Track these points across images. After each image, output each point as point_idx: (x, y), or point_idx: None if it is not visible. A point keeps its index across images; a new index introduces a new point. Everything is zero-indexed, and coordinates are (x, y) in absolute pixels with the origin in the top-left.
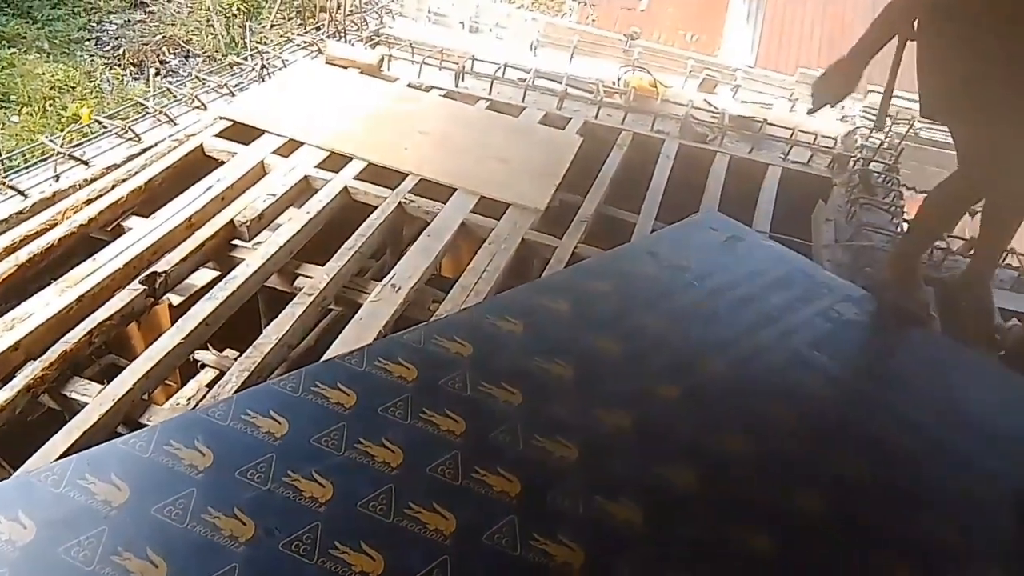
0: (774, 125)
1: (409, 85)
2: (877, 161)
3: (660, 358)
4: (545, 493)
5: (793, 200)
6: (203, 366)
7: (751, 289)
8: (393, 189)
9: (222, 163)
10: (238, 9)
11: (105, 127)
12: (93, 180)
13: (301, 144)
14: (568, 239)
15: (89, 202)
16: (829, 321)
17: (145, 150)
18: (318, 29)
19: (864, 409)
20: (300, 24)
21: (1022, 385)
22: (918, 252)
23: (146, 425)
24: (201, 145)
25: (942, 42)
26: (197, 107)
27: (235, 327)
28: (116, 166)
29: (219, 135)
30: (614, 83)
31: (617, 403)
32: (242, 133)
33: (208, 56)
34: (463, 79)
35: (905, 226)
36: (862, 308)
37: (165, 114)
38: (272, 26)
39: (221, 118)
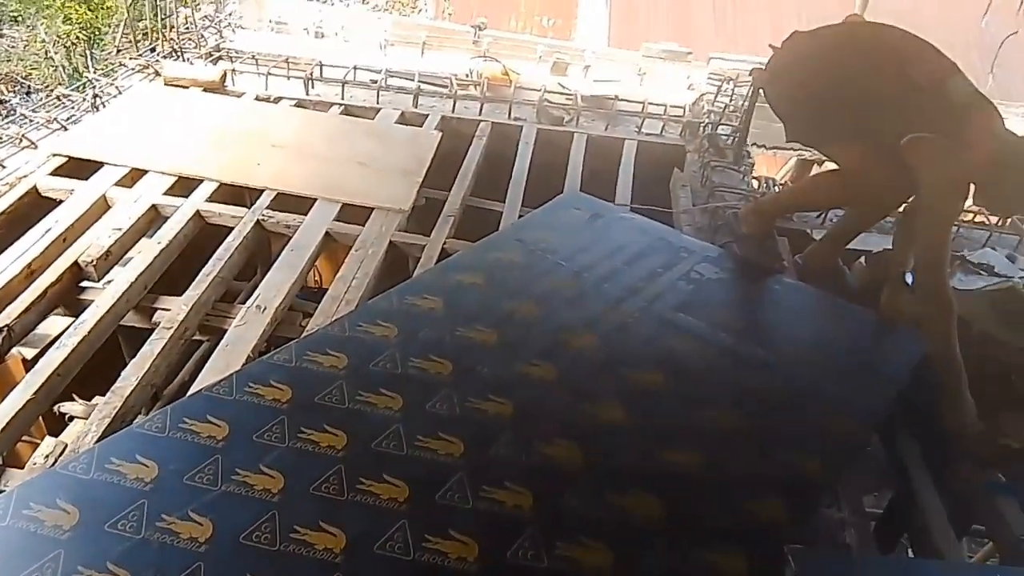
0: (626, 100)
1: (257, 98)
2: (724, 124)
3: (534, 342)
4: (433, 492)
5: (651, 171)
6: (71, 418)
7: (615, 263)
8: (249, 207)
9: (60, 202)
10: (77, 37)
11: None
12: None
13: (145, 172)
14: (436, 235)
15: None
16: (691, 283)
17: None
18: (153, 50)
19: (730, 361)
20: (150, 47)
21: (870, 318)
22: (775, 215)
23: (2, 491)
24: (35, 186)
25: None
26: (27, 146)
27: (102, 372)
28: None
29: (54, 173)
30: (467, 75)
31: (496, 392)
32: (79, 168)
33: (50, 90)
34: (313, 86)
35: (755, 183)
36: (721, 266)
37: None
38: (119, 51)
39: (54, 155)
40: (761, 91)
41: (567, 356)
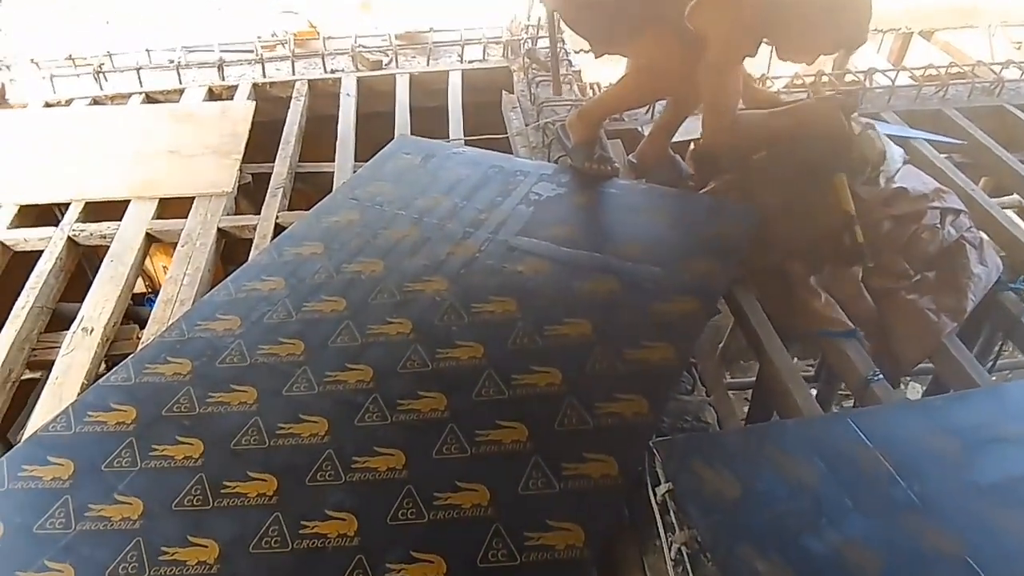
0: (442, 31)
1: (46, 105)
2: (543, 36)
3: (383, 299)
4: (303, 477)
5: (481, 98)
6: None
7: (454, 201)
8: (57, 224)
9: None
10: None
11: None
12: None
13: None
14: (267, 212)
15: None
16: (531, 205)
17: None
18: None
19: (575, 273)
20: None
21: (704, 200)
22: (598, 119)
23: None
24: None
25: None
26: None
27: None
28: None
29: None
30: (272, 36)
31: (353, 360)
32: None
33: None
34: (106, 79)
35: (588, 91)
36: (558, 182)
37: None
38: None
39: None
40: (556, 15)
41: (419, 306)
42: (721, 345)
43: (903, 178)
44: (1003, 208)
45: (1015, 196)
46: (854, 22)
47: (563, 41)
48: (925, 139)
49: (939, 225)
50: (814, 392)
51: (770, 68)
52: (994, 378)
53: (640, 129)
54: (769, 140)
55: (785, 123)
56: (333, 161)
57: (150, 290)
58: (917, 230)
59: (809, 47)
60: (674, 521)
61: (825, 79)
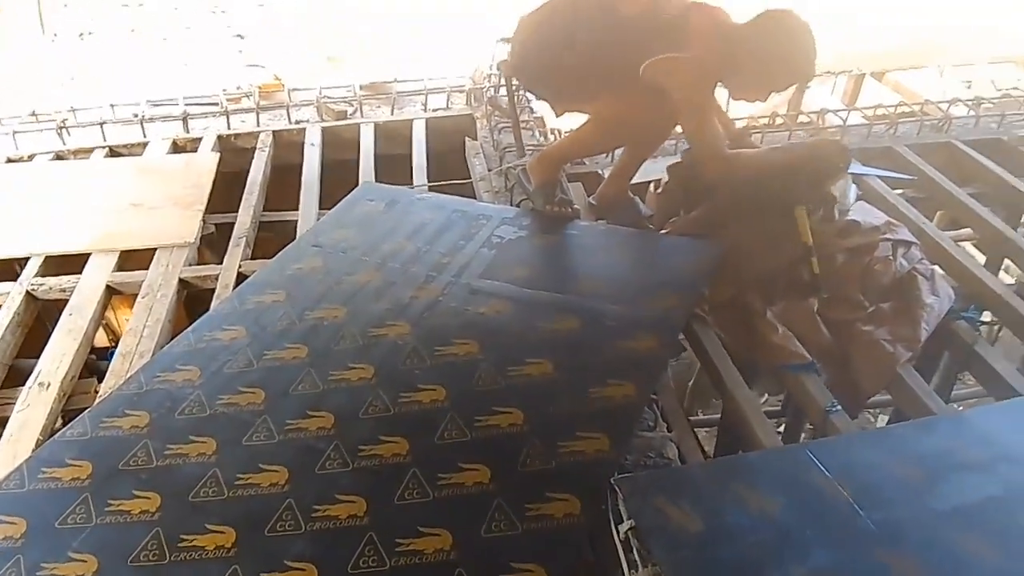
0: (406, 81)
1: (8, 160)
2: (505, 84)
3: (346, 345)
4: (263, 528)
5: (446, 145)
6: None
7: (417, 245)
8: (16, 279)
9: None
10: None
11: None
12: None
13: None
14: (230, 261)
15: None
16: (493, 248)
17: None
18: None
19: (536, 314)
20: None
21: (663, 239)
22: (558, 163)
23: None
24: None
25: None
26: None
27: None
28: None
29: None
30: (237, 89)
31: (314, 407)
32: None
33: None
34: (69, 134)
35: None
36: (520, 225)
37: None
38: None
39: None
40: (514, 80)
41: (381, 350)
42: (691, 383)
43: (855, 212)
44: (959, 241)
45: (968, 230)
46: (804, 58)
47: (522, 89)
48: (877, 175)
49: (892, 257)
50: (783, 427)
51: (728, 108)
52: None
53: (600, 172)
54: (760, 172)
55: (781, 159)
56: (297, 210)
57: (113, 343)
58: (870, 262)
59: (763, 85)
60: (637, 559)
61: (779, 120)
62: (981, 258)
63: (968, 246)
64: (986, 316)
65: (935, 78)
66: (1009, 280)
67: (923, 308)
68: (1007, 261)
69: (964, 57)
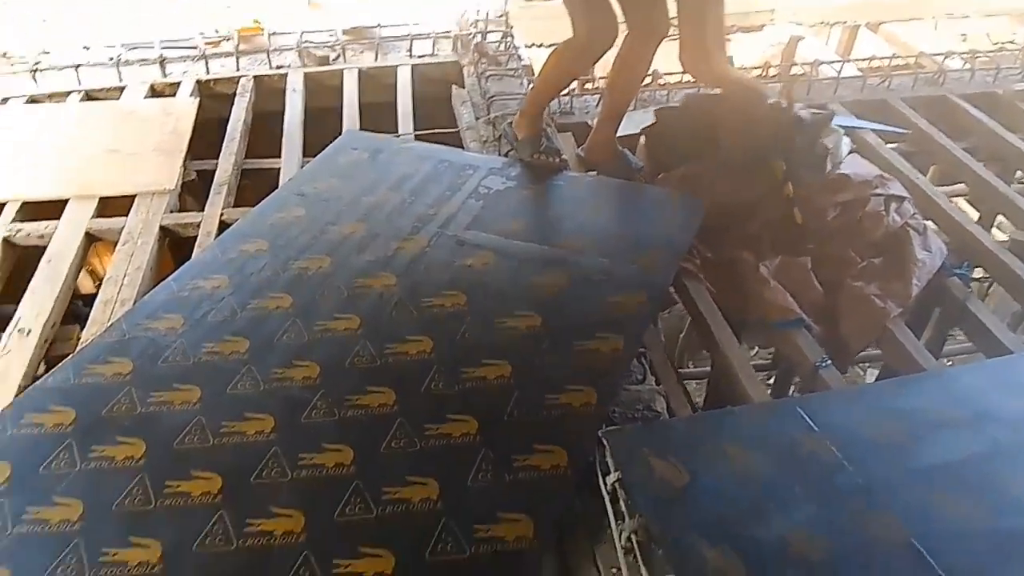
0: (390, 26)
1: None
2: (493, 31)
3: (331, 296)
4: (249, 475)
5: (432, 93)
6: None
7: (402, 196)
8: None
9: None
10: None
11: None
12: None
13: None
14: (211, 209)
15: None
16: (480, 199)
17: None
18: None
19: (524, 266)
20: None
21: (650, 193)
22: (537, 110)
23: None
24: None
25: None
26: None
27: None
28: None
29: None
30: (216, 32)
31: (299, 357)
32: None
33: None
34: (43, 77)
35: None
36: (507, 176)
37: None
38: None
39: None
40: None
41: (367, 301)
42: (682, 335)
43: (847, 166)
44: (951, 196)
45: (962, 184)
46: None
47: (512, 36)
48: (871, 129)
49: (883, 211)
50: (772, 379)
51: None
52: (949, 363)
53: (589, 123)
54: (714, 116)
55: (724, 106)
56: (279, 157)
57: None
58: (862, 217)
59: None
60: (624, 510)
61: (773, 71)
62: (974, 214)
63: (961, 201)
64: (978, 272)
65: (930, 30)
66: (1002, 236)
67: (915, 263)
68: (1000, 217)
69: (959, 9)
